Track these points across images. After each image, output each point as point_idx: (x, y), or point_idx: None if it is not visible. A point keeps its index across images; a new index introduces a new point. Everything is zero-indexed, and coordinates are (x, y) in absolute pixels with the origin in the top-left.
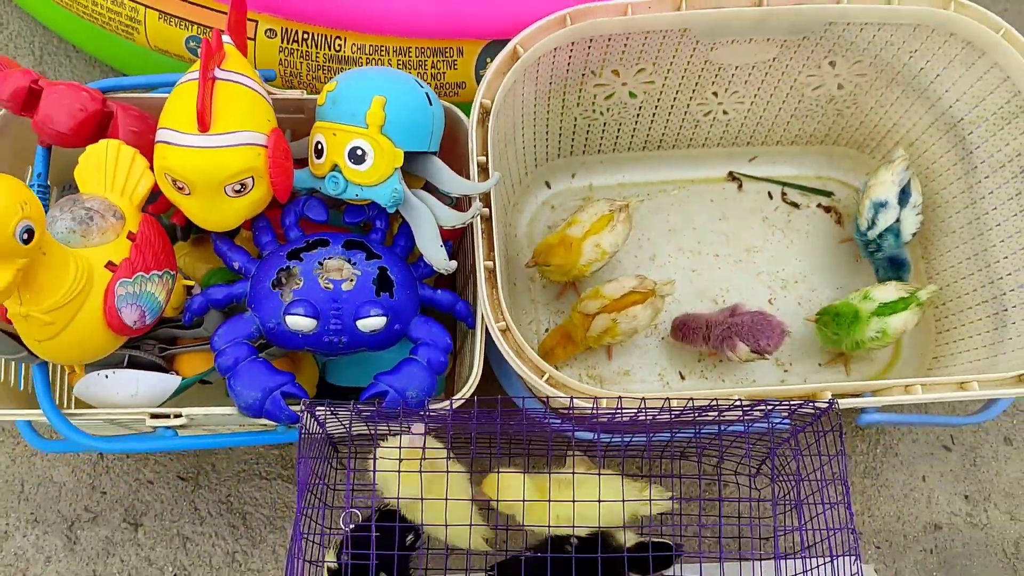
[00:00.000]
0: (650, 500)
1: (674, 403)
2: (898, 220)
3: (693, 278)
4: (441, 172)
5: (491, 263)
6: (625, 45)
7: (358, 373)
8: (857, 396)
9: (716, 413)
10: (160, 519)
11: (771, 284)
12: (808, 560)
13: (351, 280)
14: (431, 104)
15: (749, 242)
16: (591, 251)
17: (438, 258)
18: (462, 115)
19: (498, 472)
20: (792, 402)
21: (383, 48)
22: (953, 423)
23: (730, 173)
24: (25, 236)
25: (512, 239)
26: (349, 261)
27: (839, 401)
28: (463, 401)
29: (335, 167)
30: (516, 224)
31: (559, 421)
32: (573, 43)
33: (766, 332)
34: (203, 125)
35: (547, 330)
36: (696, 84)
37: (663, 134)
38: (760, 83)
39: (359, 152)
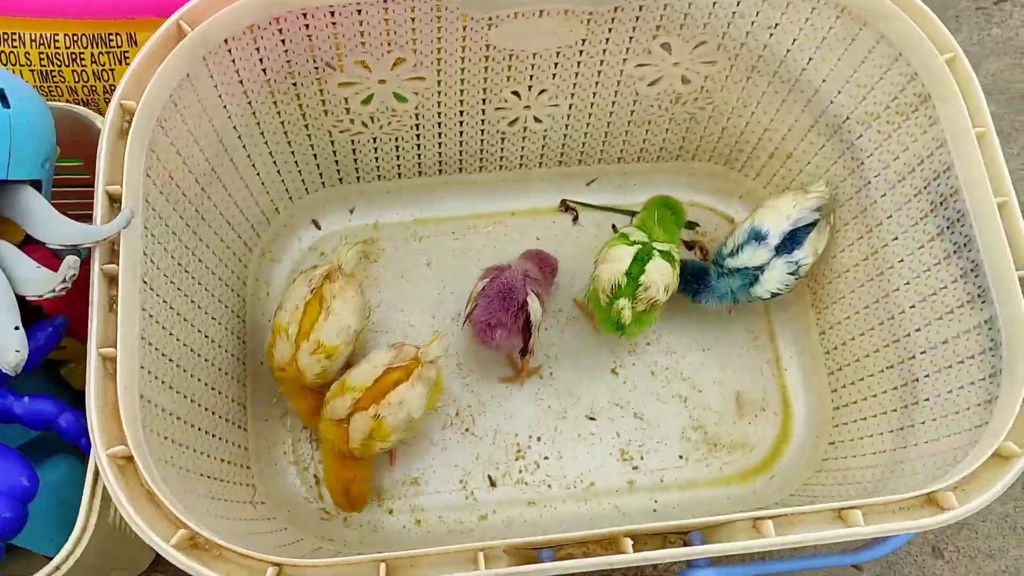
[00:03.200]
0: None
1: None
2: (761, 268)
3: None
4: (32, 209)
5: (113, 349)
6: (361, 26)
7: None
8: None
9: None
10: None
11: (615, 349)
12: None
13: None
14: (6, 106)
15: None
16: (313, 361)
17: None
18: (99, 121)
19: None
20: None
21: (16, 36)
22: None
23: (563, 202)
24: None
25: (261, 300)
26: None
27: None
28: None
29: None
30: (270, 280)
31: None
32: (279, 20)
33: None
34: None
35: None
36: (485, 81)
37: (462, 153)
38: (574, 77)
39: None
